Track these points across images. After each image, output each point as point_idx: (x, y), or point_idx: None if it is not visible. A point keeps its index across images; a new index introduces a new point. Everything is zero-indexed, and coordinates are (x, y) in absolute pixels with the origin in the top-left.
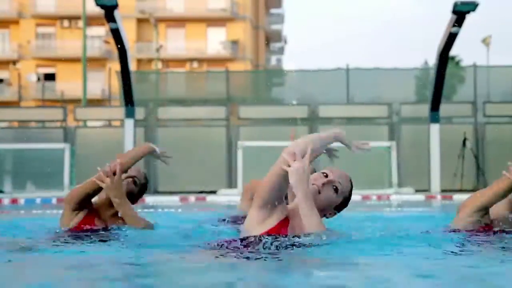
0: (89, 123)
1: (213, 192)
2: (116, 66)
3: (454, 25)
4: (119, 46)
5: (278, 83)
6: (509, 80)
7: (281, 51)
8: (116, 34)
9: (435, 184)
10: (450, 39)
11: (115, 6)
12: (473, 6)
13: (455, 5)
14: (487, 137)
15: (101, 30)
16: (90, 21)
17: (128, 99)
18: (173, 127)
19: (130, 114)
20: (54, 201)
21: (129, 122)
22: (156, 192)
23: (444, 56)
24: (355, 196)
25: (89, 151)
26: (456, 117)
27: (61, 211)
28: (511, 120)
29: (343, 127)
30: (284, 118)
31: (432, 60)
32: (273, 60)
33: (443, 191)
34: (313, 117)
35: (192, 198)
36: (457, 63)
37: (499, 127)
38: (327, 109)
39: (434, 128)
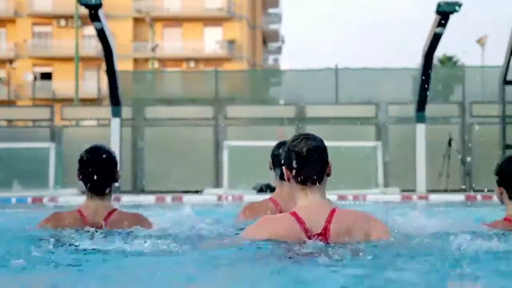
0: (77, 123)
1: (200, 191)
2: None
3: (438, 26)
4: (104, 45)
5: (268, 83)
6: (497, 80)
7: (278, 50)
8: (101, 33)
9: (421, 184)
10: (435, 39)
11: (99, 5)
12: (457, 7)
13: (439, 5)
14: (473, 138)
15: None
16: (87, 20)
17: (114, 98)
18: (160, 127)
19: (116, 113)
20: (29, 200)
21: (116, 122)
22: (143, 191)
23: (429, 57)
24: (332, 196)
25: (77, 150)
26: (444, 118)
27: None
28: (497, 121)
29: (331, 127)
30: (272, 118)
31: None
32: (271, 59)
33: (428, 191)
34: (300, 117)
35: (168, 198)
36: (455, 63)
37: (486, 128)
38: (315, 109)
39: (420, 128)
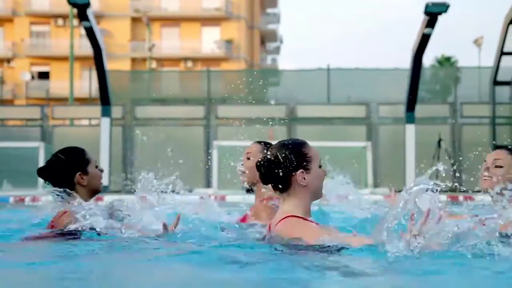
0: (67, 122)
1: (190, 191)
2: (107, 64)
3: (426, 26)
4: (93, 44)
5: (260, 83)
6: (488, 80)
7: (277, 50)
8: (90, 32)
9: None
10: (424, 40)
11: (87, 4)
12: (445, 8)
13: (427, 6)
14: (464, 138)
15: None
16: None
17: (104, 97)
18: (151, 126)
19: (106, 112)
20: (11, 200)
21: (105, 121)
22: (133, 191)
23: (418, 58)
24: None
25: None
26: (435, 118)
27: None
28: (487, 121)
29: (322, 127)
30: (262, 118)
31: (428, 60)
32: (269, 59)
33: None
34: (291, 117)
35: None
36: (453, 63)
37: (476, 128)
38: (305, 109)
39: (410, 129)
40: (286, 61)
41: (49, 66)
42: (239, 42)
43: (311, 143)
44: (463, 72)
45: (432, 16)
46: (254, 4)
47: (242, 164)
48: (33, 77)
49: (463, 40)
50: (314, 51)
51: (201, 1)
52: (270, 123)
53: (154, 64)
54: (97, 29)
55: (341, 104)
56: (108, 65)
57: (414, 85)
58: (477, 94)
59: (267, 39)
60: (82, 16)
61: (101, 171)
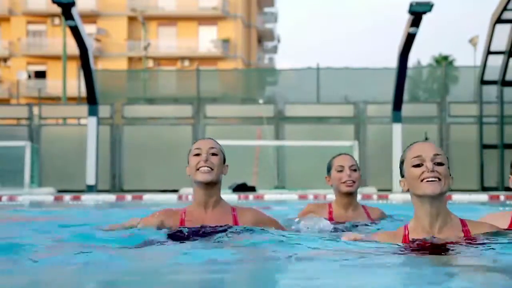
0: (60, 121)
1: (176, 191)
2: (104, 63)
3: (411, 26)
4: (79, 44)
5: (250, 82)
6: (477, 80)
7: (274, 50)
8: (75, 31)
9: (397, 184)
10: (409, 39)
11: (72, 3)
12: (429, 7)
13: (411, 5)
14: (451, 137)
15: (92, 28)
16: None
17: (91, 97)
18: (139, 125)
19: (93, 112)
20: None
21: (92, 120)
22: (122, 190)
23: (404, 57)
24: (292, 196)
25: (55, 149)
26: (422, 117)
27: None
28: (475, 121)
29: (310, 126)
30: (251, 117)
31: (426, 59)
32: (266, 59)
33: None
34: (279, 116)
35: (129, 196)
36: (451, 63)
37: (464, 127)
38: (294, 108)
39: (396, 128)
40: (284, 60)
41: (46, 65)
42: (236, 41)
43: (298, 142)
44: (455, 71)
45: (416, 15)
46: (251, 3)
47: None
48: (29, 76)
49: (461, 39)
50: (312, 50)
51: (198, 0)
52: (258, 122)
53: (151, 63)
54: (82, 28)
55: (329, 104)
56: (105, 64)
57: (401, 84)
58: (471, 93)
59: (264, 38)
60: (67, 15)
61: None
